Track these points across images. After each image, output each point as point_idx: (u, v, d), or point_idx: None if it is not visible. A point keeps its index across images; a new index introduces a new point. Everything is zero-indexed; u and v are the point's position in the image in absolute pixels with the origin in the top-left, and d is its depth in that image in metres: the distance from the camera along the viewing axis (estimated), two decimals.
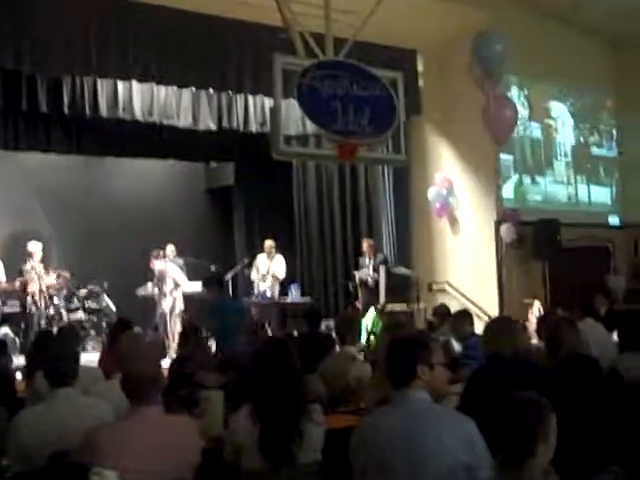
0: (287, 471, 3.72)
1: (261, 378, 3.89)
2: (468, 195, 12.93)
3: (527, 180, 13.38)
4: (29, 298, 11.24)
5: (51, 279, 11.57)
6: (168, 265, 12.30)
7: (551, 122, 13.86)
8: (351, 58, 8.96)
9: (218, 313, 8.82)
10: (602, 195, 14.46)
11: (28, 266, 11.33)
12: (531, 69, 12.64)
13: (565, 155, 14.02)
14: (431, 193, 12.95)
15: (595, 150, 14.48)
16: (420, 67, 13.31)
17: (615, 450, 3.44)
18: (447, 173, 13.06)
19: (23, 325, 11.50)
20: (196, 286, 12.48)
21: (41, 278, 11.32)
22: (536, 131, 13.61)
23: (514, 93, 12.95)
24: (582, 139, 14.29)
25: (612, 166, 14.64)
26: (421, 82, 13.31)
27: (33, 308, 11.25)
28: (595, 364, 4.19)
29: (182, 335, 6.48)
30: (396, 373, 3.40)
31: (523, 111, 13.13)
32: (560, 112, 14.00)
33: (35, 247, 11.46)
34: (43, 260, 11.62)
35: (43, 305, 11.38)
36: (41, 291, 11.33)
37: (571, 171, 14.07)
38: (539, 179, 13.57)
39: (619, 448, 3.45)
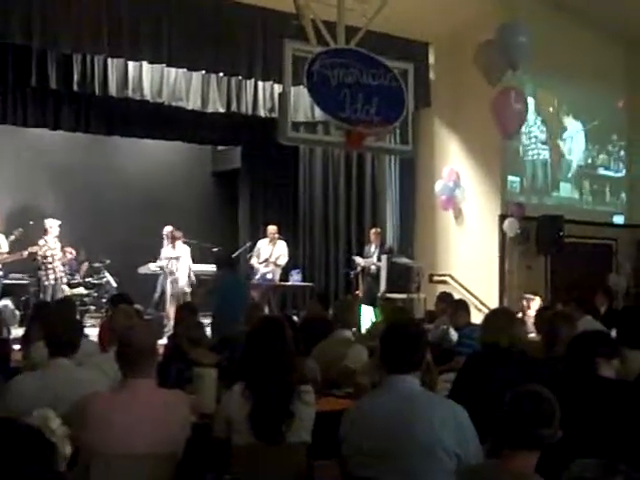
0: (276, 449, 3.74)
1: (254, 356, 3.91)
2: (474, 188, 12.94)
3: (534, 201, 13.23)
4: (42, 272, 11.48)
5: (59, 254, 11.75)
6: (176, 245, 12.42)
7: (561, 143, 13.74)
8: (363, 47, 8.97)
9: (223, 290, 8.89)
10: (595, 203, 14.36)
11: (42, 242, 11.59)
12: (543, 65, 12.58)
13: (572, 177, 13.90)
14: (438, 186, 12.96)
15: (602, 171, 14.31)
16: (431, 60, 13.32)
17: (608, 444, 3.41)
18: (454, 166, 13.07)
19: (24, 298, 11.62)
20: (198, 267, 12.58)
21: (54, 254, 11.55)
22: (545, 153, 13.48)
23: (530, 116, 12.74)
24: (590, 160, 14.14)
25: (619, 187, 14.53)
26: (432, 75, 13.33)
27: (43, 278, 11.48)
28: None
29: (179, 313, 6.53)
30: (392, 358, 3.42)
31: (540, 134, 13.22)
32: (572, 130, 13.88)
33: (52, 224, 11.79)
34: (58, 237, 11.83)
35: (46, 279, 11.53)
36: (48, 266, 11.50)
37: (577, 192, 13.97)
38: (545, 200, 13.44)
39: (612, 442, 3.42)
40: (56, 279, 11.72)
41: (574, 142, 13.93)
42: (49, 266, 11.61)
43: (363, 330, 7.91)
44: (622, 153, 14.51)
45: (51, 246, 11.67)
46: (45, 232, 11.71)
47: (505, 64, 10.18)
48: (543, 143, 13.42)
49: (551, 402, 2.89)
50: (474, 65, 10.70)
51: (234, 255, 12.90)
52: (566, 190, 13.78)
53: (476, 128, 12.26)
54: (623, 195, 14.53)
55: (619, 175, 14.49)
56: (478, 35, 11.06)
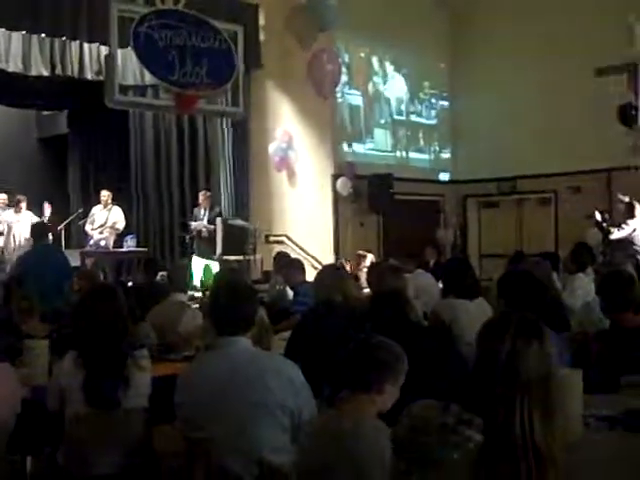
0: (111, 416, 3.71)
1: (85, 323, 3.84)
2: (307, 149, 13.10)
3: (344, 147, 13.50)
4: None
5: None
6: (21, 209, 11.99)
7: (372, 89, 14.03)
8: (191, 9, 8.86)
9: (32, 261, 8.49)
10: (422, 161, 14.89)
11: None
12: (360, 28, 12.85)
13: (385, 123, 14.21)
14: (272, 147, 13.02)
15: (414, 118, 14.78)
16: (261, 21, 13.28)
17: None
18: (287, 127, 13.16)
19: None
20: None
21: None
22: (356, 98, 13.68)
23: (340, 56, 12.89)
24: (403, 107, 14.54)
25: (431, 133, 15.07)
26: (262, 36, 13.29)
27: None
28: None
29: (6, 286, 6.30)
30: (220, 320, 3.43)
31: (343, 77, 13.19)
32: (387, 78, 14.24)
33: None
34: None
35: None
36: None
37: (390, 140, 14.31)
38: (357, 146, 13.68)
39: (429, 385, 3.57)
40: None
41: (390, 90, 14.29)
42: None
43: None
44: (433, 101, 15.08)
45: None
46: None
47: (315, 27, 10.34)
48: (355, 89, 13.69)
49: (390, 351, 3.00)
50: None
51: (64, 223, 12.51)
52: (380, 136, 14.13)
53: (306, 89, 12.35)
54: (448, 153, 15.15)
55: (430, 122, 15.02)
56: None
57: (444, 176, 15.00)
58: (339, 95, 13.25)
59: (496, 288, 4.69)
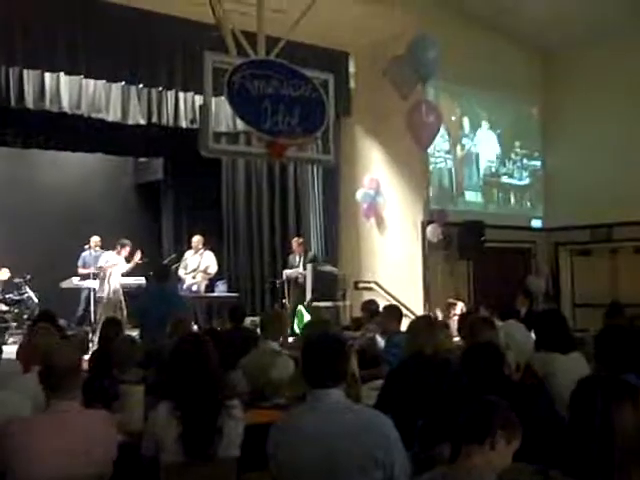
0: (206, 466, 3.74)
1: (179, 374, 3.90)
2: (396, 196, 13.07)
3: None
4: None
5: None
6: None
7: (463, 150, 13.75)
8: (283, 58, 9.00)
9: (147, 303, 8.76)
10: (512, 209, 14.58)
11: None
12: (455, 76, 12.75)
13: (476, 185, 13.93)
14: (359, 194, 13.07)
15: (505, 179, 14.42)
16: (351, 69, 13.45)
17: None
18: (375, 174, 13.19)
19: None
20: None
21: None
22: (447, 161, 13.42)
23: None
24: (493, 169, 14.21)
25: (523, 193, 14.76)
26: (352, 84, 13.45)
27: None
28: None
29: (105, 328, 6.43)
30: (313, 373, 3.40)
31: (443, 143, 13.12)
32: (478, 138, 13.99)
33: None
34: None
35: None
36: None
37: (481, 200, 14.00)
38: (450, 207, 13.24)
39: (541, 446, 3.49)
40: None
41: (481, 150, 14.09)
42: None
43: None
44: (525, 161, 14.76)
45: None
46: None
47: (415, 79, 10.37)
48: (447, 152, 13.42)
49: (507, 412, 2.93)
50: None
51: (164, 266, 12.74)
52: (471, 197, 13.84)
53: (396, 136, 12.34)
54: (539, 200, 14.86)
55: (522, 183, 14.75)
56: (398, 45, 11.18)
57: (536, 223, 14.73)
58: (437, 160, 13.10)
59: (592, 342, 4.56)
